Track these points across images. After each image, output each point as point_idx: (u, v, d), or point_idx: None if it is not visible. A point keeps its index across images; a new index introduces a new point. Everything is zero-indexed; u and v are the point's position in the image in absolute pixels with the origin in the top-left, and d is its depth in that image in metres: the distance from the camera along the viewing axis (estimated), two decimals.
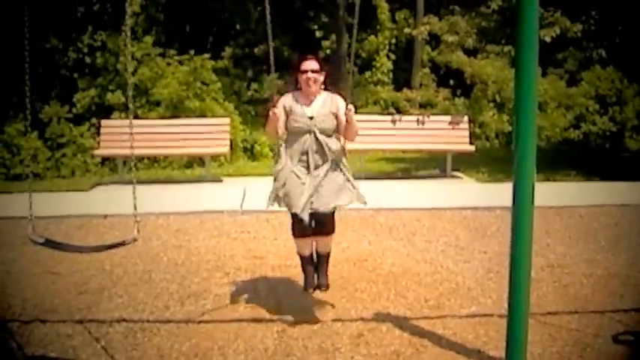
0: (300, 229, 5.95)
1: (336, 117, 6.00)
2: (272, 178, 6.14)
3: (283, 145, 6.07)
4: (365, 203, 6.16)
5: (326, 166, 5.93)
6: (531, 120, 5.09)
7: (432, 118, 14.69)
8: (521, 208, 5.11)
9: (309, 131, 5.92)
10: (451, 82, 19.83)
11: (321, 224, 5.94)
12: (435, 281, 7.18)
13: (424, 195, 11.46)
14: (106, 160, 16.13)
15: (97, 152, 13.99)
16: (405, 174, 14.67)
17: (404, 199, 10.84)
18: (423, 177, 14.10)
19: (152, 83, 17.08)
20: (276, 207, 6.09)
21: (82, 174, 16.26)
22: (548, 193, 10.55)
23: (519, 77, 5.04)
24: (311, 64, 5.98)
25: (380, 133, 13.65)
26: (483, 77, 17.77)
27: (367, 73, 21.28)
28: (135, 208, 5.54)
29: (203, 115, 15.79)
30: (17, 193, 10.72)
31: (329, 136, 5.98)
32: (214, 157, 14.98)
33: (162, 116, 16.10)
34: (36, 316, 6.26)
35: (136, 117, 16.03)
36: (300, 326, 6.00)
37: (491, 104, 18.19)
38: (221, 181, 13.40)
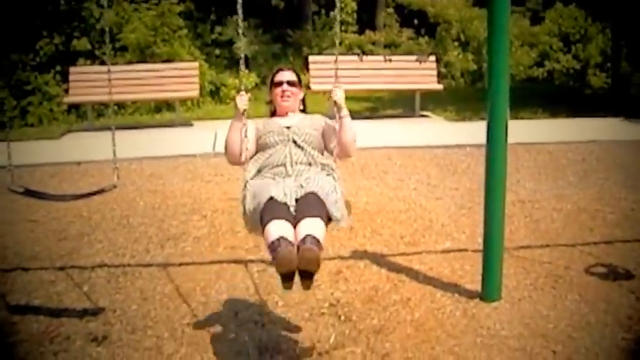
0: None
1: (322, 135, 4.85)
2: None
3: (249, 162, 4.70)
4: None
5: (312, 171, 4.61)
6: (504, 60, 5.20)
7: (400, 57, 14.73)
8: (495, 145, 5.26)
9: (287, 140, 4.71)
10: (415, 21, 19.83)
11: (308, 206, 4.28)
12: (410, 218, 7.31)
13: (394, 134, 11.55)
14: (72, 107, 16.00)
15: (66, 100, 13.90)
16: (374, 113, 14.75)
17: (375, 139, 10.91)
18: (391, 116, 14.20)
19: (118, 28, 16.89)
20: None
21: (49, 122, 16.12)
22: (517, 130, 10.64)
23: (492, 17, 5.13)
24: (286, 75, 4.97)
25: (347, 73, 13.57)
26: (447, 17, 17.81)
27: (332, 14, 21.12)
28: (114, 155, 5.59)
29: (170, 60, 15.69)
30: None
31: (313, 148, 4.74)
32: (182, 101, 14.95)
33: (129, 61, 15.97)
34: (18, 264, 6.32)
35: (102, 63, 15.91)
36: None
37: (456, 43, 18.26)
38: (191, 125, 13.40)
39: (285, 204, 4.27)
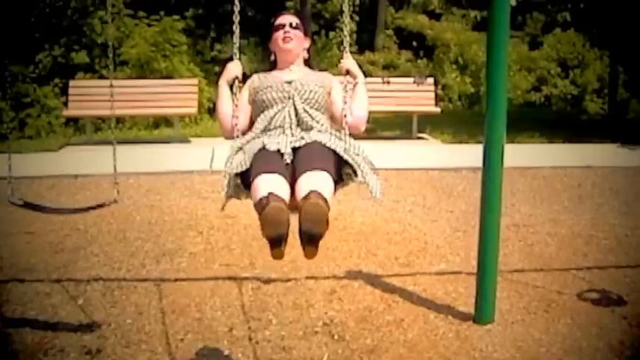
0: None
1: (330, 96, 4.22)
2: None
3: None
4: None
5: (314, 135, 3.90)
6: (502, 83, 5.25)
7: (398, 79, 14.80)
8: (491, 169, 5.29)
9: (286, 98, 4.05)
10: (414, 43, 19.97)
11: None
12: (405, 239, 7.32)
13: (391, 156, 11.55)
14: (70, 120, 16.05)
15: (65, 113, 13.94)
16: (371, 134, 14.77)
17: (371, 160, 10.92)
18: (388, 138, 14.24)
19: (118, 43, 16.98)
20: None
21: (47, 135, 16.17)
22: (513, 154, 10.70)
23: (491, 41, 5.17)
24: (289, 18, 4.25)
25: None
26: (445, 40, 17.96)
27: (331, 34, 21.25)
28: (115, 170, 5.62)
29: (170, 77, 15.77)
30: None
31: (318, 109, 4.11)
32: (180, 118, 15.01)
33: (129, 77, 16.06)
34: (13, 275, 6.33)
35: (101, 77, 16.00)
36: (275, 284, 6.15)
37: (454, 66, 18.38)
38: (189, 141, 13.45)
39: (279, 151, 3.70)
